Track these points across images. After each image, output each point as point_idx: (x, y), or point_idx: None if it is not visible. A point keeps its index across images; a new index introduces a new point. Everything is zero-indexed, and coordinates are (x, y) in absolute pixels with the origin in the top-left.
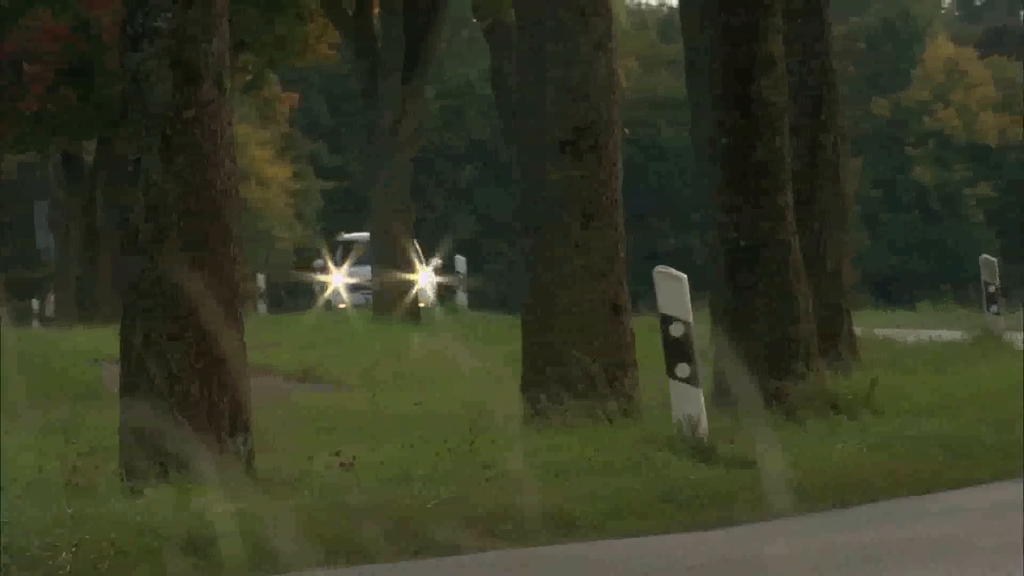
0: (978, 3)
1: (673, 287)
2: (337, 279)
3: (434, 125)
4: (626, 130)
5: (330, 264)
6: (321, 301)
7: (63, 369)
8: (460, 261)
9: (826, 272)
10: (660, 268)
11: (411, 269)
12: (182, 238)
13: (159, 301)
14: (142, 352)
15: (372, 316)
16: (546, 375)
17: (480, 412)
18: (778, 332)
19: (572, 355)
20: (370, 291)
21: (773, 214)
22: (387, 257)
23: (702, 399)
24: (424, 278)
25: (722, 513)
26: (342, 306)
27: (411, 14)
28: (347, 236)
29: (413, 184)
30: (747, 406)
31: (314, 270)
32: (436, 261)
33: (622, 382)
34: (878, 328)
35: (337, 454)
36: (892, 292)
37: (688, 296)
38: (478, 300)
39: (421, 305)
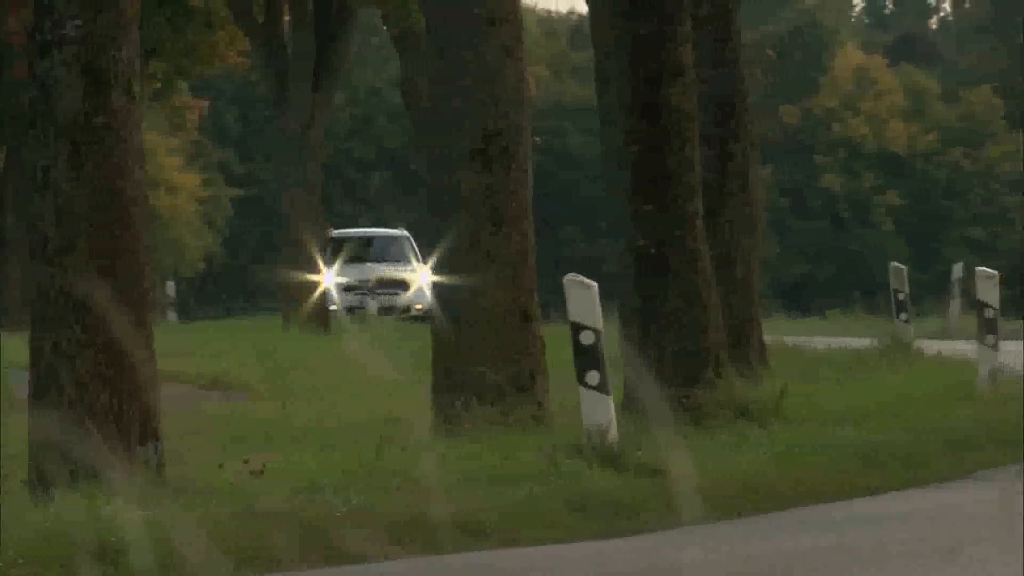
0: (887, 11)
1: (583, 295)
2: (328, 279)
3: (343, 132)
4: (536, 138)
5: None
6: (309, 304)
7: None
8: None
9: (736, 280)
10: (570, 276)
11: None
12: (91, 246)
13: (68, 309)
14: (51, 360)
15: (282, 323)
16: (456, 383)
17: (391, 420)
18: (687, 340)
19: (482, 363)
20: (366, 292)
21: (682, 221)
22: (297, 264)
23: (612, 407)
24: (424, 277)
25: (631, 521)
26: (332, 308)
27: (321, 22)
28: (336, 233)
29: (323, 191)
30: (656, 414)
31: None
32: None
33: (532, 390)
34: (788, 336)
35: (246, 462)
36: (802, 300)
37: (598, 304)
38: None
39: (419, 307)
